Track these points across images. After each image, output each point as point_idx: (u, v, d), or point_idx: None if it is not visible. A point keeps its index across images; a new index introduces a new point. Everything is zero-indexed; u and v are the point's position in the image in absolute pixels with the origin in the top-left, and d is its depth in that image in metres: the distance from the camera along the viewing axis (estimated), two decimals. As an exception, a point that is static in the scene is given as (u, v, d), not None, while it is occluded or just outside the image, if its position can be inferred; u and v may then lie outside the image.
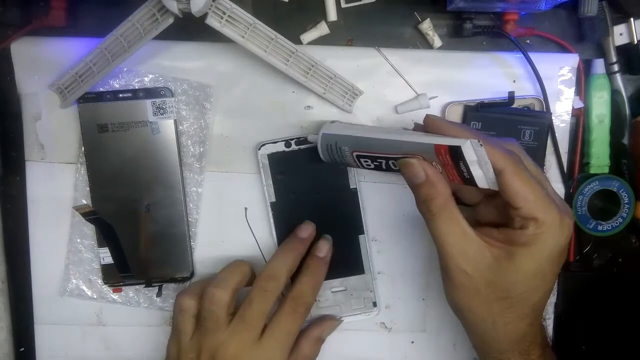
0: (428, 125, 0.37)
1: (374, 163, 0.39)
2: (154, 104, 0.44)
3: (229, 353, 0.39)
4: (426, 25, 0.45)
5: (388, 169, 0.38)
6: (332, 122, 0.42)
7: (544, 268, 0.35)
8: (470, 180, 0.34)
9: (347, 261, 0.46)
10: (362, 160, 0.39)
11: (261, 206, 0.46)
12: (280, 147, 0.44)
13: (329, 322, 0.45)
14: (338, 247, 0.45)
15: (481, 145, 0.32)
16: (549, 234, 0.34)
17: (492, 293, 0.36)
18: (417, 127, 0.39)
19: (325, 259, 0.43)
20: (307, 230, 0.44)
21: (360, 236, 0.46)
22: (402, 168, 0.36)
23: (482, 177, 0.33)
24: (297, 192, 0.45)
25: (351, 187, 0.45)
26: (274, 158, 0.44)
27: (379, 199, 0.46)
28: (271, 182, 0.45)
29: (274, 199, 0.45)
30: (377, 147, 0.37)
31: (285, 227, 0.45)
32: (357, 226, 0.46)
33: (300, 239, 0.44)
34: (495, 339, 0.37)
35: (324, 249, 0.44)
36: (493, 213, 0.39)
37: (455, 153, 0.33)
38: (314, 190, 0.45)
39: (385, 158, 0.37)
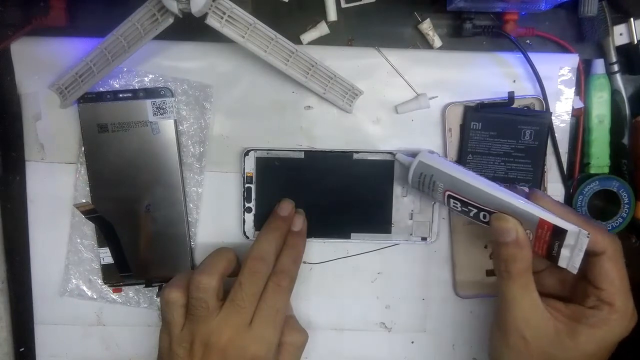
0: (535, 200, 0.37)
1: (463, 208, 0.38)
2: (154, 104, 0.44)
3: (223, 339, 0.38)
4: (426, 25, 0.45)
5: (475, 218, 0.38)
6: (431, 152, 0.41)
7: (601, 352, 0.36)
8: (553, 258, 0.35)
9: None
10: (451, 200, 0.39)
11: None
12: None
13: None
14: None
15: (588, 237, 0.33)
16: (618, 322, 0.36)
17: None
18: (520, 192, 0.39)
19: (301, 232, 0.44)
20: (287, 208, 0.44)
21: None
22: (495, 221, 0.37)
23: (567, 260, 0.34)
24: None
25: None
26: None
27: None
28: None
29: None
30: (475, 196, 0.37)
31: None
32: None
33: (282, 217, 0.43)
34: None
35: (299, 223, 0.44)
36: (554, 284, 0.40)
37: (558, 234, 0.34)
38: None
39: (479, 208, 0.37)
